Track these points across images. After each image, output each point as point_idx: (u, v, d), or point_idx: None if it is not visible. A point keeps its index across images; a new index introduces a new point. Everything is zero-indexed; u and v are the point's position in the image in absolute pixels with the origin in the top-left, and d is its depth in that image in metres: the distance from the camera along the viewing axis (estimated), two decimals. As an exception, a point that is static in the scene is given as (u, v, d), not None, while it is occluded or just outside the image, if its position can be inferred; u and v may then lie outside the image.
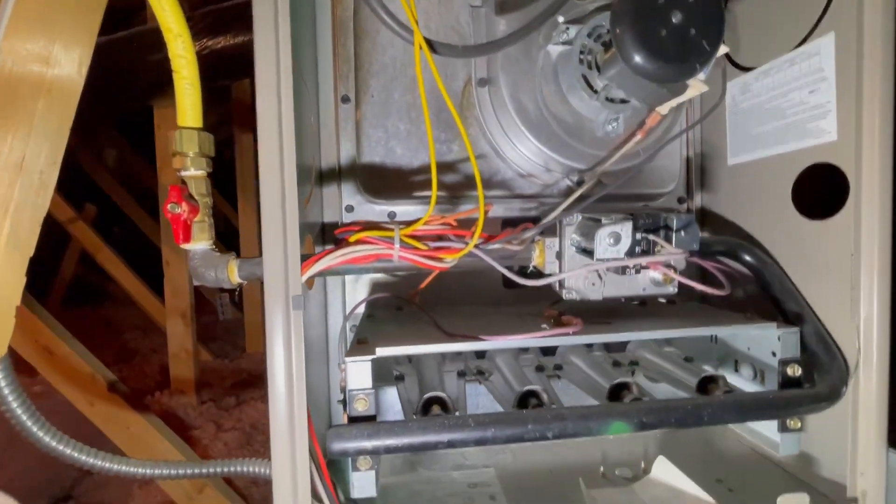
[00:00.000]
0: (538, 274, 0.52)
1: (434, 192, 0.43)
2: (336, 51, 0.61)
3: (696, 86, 0.46)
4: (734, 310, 0.56)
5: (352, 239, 0.43)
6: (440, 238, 0.46)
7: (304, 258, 0.40)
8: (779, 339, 0.47)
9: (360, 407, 0.41)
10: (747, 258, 0.55)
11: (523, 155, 0.59)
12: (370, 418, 0.41)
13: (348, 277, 0.65)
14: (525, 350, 0.66)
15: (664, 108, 0.52)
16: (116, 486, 1.54)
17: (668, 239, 0.48)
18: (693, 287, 0.49)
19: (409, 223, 0.45)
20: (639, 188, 0.67)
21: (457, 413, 0.45)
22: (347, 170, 0.62)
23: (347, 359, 0.41)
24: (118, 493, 1.53)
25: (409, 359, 0.60)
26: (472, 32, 0.60)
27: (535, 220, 0.52)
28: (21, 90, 0.46)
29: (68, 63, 0.50)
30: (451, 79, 0.61)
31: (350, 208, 0.63)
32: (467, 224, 0.47)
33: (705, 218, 0.69)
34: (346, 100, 0.62)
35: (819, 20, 0.49)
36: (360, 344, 0.45)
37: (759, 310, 0.54)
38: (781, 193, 0.55)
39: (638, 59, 0.42)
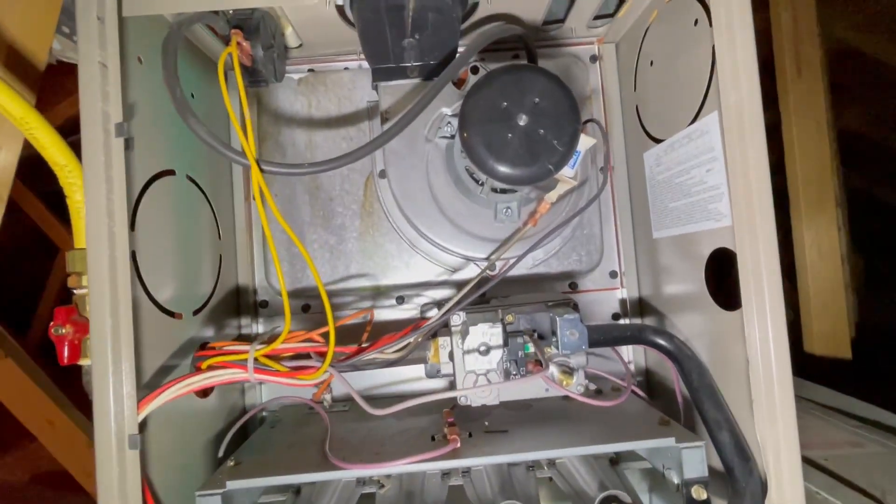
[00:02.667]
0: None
1: (287, 313, 0.42)
2: (246, 151, 0.63)
3: (565, 181, 0.44)
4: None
5: (204, 365, 0.42)
6: (310, 356, 0.45)
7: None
8: (682, 455, 0.41)
9: (209, 546, 0.39)
10: (662, 343, 0.50)
11: (428, 245, 0.58)
12: (221, 557, 0.39)
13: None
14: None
15: (552, 196, 0.50)
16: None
17: (556, 342, 0.45)
18: (584, 401, 0.45)
19: (272, 339, 0.44)
20: (567, 266, 0.63)
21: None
22: (259, 268, 0.62)
23: (197, 493, 0.40)
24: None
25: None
26: (370, 130, 0.61)
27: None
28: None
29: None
30: (352, 171, 0.61)
31: (264, 304, 0.63)
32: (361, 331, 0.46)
33: (641, 293, 0.64)
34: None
35: (704, 98, 0.46)
36: (230, 467, 0.43)
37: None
38: (696, 275, 0.50)
39: (486, 164, 0.41)
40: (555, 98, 0.40)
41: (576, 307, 0.48)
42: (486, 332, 0.43)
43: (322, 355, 0.44)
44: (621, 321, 0.64)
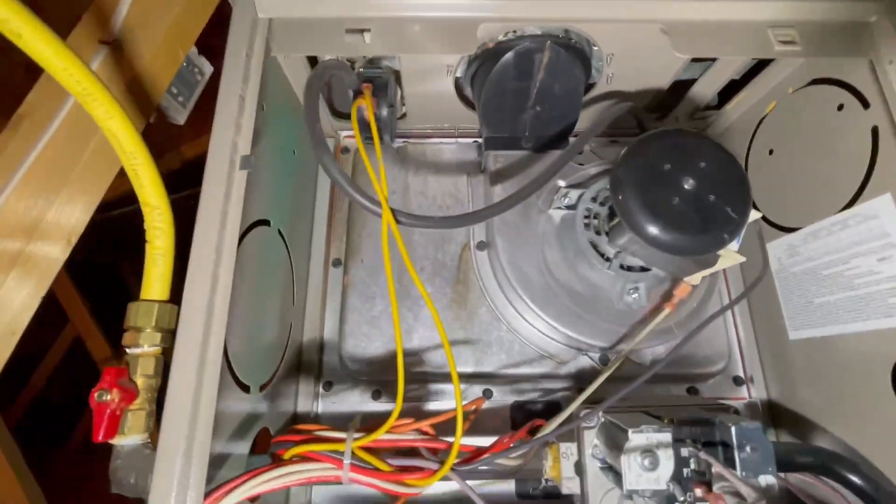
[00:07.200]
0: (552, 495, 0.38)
1: (401, 387, 0.33)
2: (332, 213, 0.59)
3: (730, 256, 0.38)
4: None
5: (288, 454, 0.33)
6: (413, 451, 0.35)
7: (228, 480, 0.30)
8: None
9: None
10: (852, 478, 0.39)
11: (530, 326, 0.50)
12: None
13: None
14: None
15: (695, 279, 0.43)
16: None
17: (728, 458, 0.35)
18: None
19: (368, 430, 0.34)
20: (682, 368, 0.54)
21: None
22: (330, 341, 0.54)
23: None
24: None
25: None
26: (470, 197, 0.57)
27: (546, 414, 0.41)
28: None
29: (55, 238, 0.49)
30: (446, 241, 0.56)
31: (328, 385, 0.53)
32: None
33: (772, 408, 0.54)
34: (336, 263, 0.57)
35: (865, 180, 0.42)
36: None
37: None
38: (878, 383, 0.41)
39: (649, 230, 0.35)
40: (722, 163, 0.36)
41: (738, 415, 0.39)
42: (653, 438, 0.33)
43: (434, 452, 0.34)
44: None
